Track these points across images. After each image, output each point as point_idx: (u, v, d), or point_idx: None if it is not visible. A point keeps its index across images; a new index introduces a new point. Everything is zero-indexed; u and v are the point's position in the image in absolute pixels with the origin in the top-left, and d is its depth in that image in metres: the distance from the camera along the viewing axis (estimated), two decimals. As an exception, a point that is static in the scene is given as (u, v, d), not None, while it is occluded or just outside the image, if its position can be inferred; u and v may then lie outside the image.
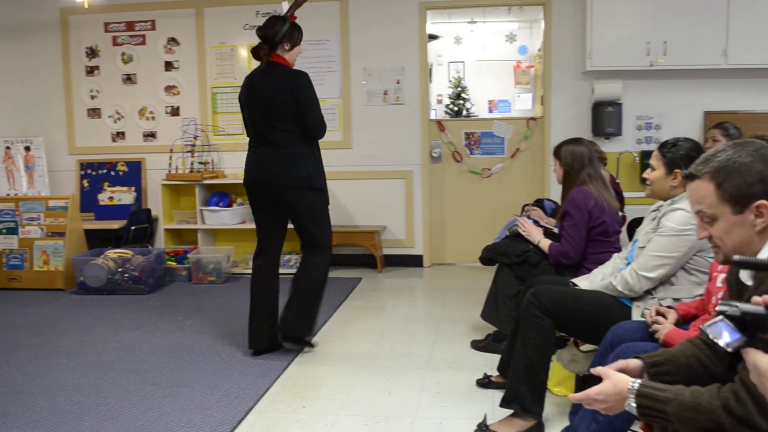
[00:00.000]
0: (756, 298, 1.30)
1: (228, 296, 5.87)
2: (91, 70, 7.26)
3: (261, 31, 4.23)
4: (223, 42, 7.05)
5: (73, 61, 7.26)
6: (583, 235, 3.85)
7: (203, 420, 3.36)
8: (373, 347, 4.54)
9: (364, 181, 6.86)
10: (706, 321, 1.39)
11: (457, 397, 3.65)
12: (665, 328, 2.58)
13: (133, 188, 7.12)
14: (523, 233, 4.19)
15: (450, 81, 10.53)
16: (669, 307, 2.76)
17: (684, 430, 1.66)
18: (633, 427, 2.48)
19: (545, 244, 4.05)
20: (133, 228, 6.65)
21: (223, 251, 6.62)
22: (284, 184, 4.17)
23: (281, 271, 6.60)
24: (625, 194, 5.44)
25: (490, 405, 3.46)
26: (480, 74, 10.63)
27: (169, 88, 7.18)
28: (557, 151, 4.05)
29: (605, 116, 6.46)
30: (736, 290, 1.86)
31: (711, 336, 1.33)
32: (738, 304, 1.31)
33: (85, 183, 7.28)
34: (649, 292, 3.07)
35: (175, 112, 7.19)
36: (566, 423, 2.83)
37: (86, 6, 6.38)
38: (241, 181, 6.62)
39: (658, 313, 2.71)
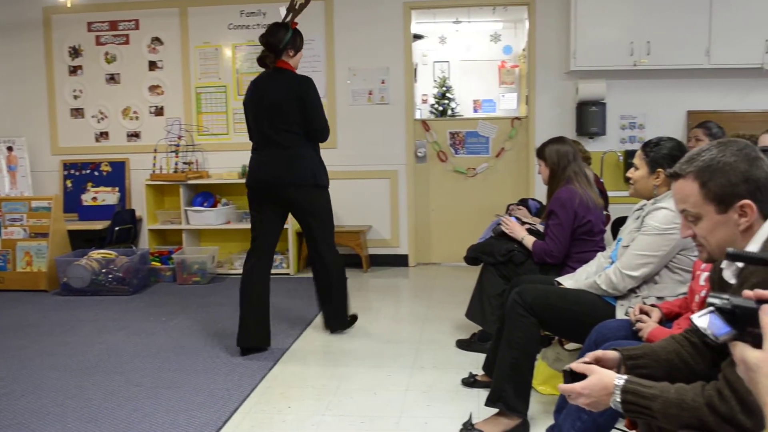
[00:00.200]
0: (747, 292, 1.31)
1: (213, 297, 5.85)
2: (74, 70, 7.21)
3: (264, 38, 4.38)
4: (207, 42, 7.02)
5: (55, 61, 7.21)
6: (568, 234, 3.86)
7: (188, 421, 3.35)
8: (358, 347, 4.53)
9: (349, 181, 6.85)
10: (694, 315, 1.40)
11: (442, 397, 3.65)
12: (649, 326, 2.59)
13: (116, 188, 7.08)
14: (506, 230, 4.21)
15: (435, 81, 10.56)
16: (653, 305, 2.78)
17: (668, 427, 1.67)
18: (617, 425, 2.50)
19: (529, 241, 4.07)
20: (117, 228, 6.62)
21: (207, 251, 6.60)
22: (289, 183, 4.32)
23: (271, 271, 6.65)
24: (610, 193, 5.46)
25: (476, 404, 3.46)
26: (465, 74, 10.66)
27: (153, 88, 7.14)
28: (541, 152, 4.06)
29: (589, 116, 6.49)
30: (719, 288, 1.87)
31: (701, 327, 1.33)
32: (729, 296, 1.32)
33: (69, 183, 7.24)
34: (633, 291, 3.08)
35: (159, 111, 7.16)
36: (551, 421, 2.84)
37: (69, 5, 6.34)
38: (225, 181, 6.65)
39: (642, 312, 2.72)
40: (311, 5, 6.69)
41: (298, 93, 4.27)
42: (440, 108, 10.30)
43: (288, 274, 6.68)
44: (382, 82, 6.85)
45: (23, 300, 5.87)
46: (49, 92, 7.25)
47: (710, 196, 1.78)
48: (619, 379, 1.71)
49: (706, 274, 2.48)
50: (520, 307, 3.13)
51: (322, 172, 4.42)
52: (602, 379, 1.72)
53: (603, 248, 3.82)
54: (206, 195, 6.84)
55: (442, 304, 5.54)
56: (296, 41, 4.43)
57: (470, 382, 3.76)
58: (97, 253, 6.09)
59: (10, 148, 6.87)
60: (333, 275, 4.62)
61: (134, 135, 7.22)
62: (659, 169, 3.02)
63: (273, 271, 6.57)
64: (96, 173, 7.22)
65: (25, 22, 7.17)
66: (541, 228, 4.17)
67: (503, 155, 6.99)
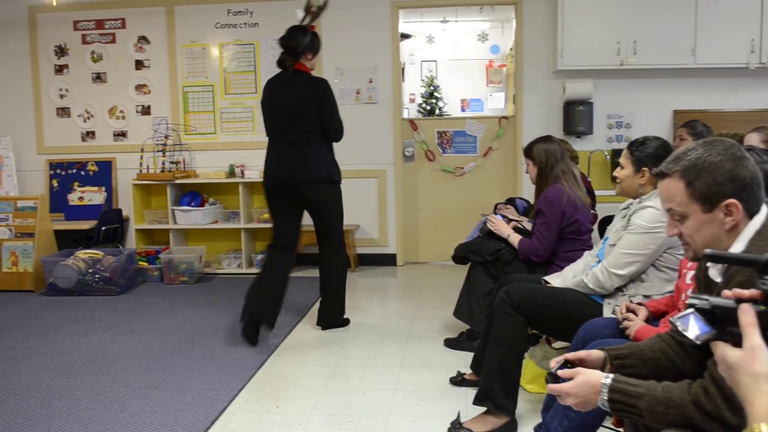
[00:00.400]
0: (726, 292, 1.32)
1: (200, 296, 5.84)
2: (60, 69, 7.17)
3: (284, 41, 4.57)
4: (195, 41, 7.00)
5: (41, 60, 7.17)
6: (555, 233, 3.87)
7: (176, 421, 3.34)
8: (346, 346, 4.54)
9: (337, 180, 6.84)
10: (677, 314, 1.40)
11: (430, 396, 3.66)
12: (636, 324, 2.61)
13: (103, 188, 7.04)
14: (492, 228, 4.22)
15: (422, 80, 10.55)
16: (639, 303, 2.79)
17: (655, 425, 1.68)
18: (604, 423, 2.51)
19: (515, 239, 4.08)
20: (103, 228, 6.59)
21: (195, 251, 6.58)
22: (305, 182, 4.49)
23: (254, 270, 6.67)
24: (597, 192, 5.48)
25: (464, 403, 3.47)
26: (452, 73, 10.66)
27: (139, 87, 7.11)
28: (529, 151, 4.07)
29: (576, 115, 6.51)
30: (705, 287, 1.88)
31: (680, 328, 1.34)
32: (708, 297, 1.33)
33: (55, 183, 7.19)
34: (619, 289, 3.10)
35: (145, 111, 7.13)
36: (539, 420, 2.85)
37: (55, 4, 6.31)
38: (212, 181, 6.66)
39: (629, 310, 2.74)
40: (298, 3, 6.74)
41: (316, 95, 4.47)
42: (428, 107, 10.30)
43: (276, 273, 6.66)
44: (370, 82, 6.85)
45: (9, 300, 5.83)
46: (34, 91, 7.21)
47: (696, 195, 1.79)
48: (606, 378, 1.71)
49: (692, 273, 2.49)
50: (508, 305, 3.14)
51: (335, 169, 4.62)
52: (589, 379, 1.73)
53: (590, 247, 3.84)
54: (193, 194, 6.82)
55: (430, 303, 5.55)
56: (314, 44, 4.59)
57: (458, 380, 3.77)
58: (83, 253, 6.06)
59: (-5, 148, 6.83)
60: (335, 273, 4.79)
61: (121, 134, 7.18)
62: (644, 168, 3.04)
63: (259, 270, 6.60)
64: (82, 173, 7.18)
65: (11, 21, 7.13)
66: (528, 226, 4.18)
67: (491, 154, 7.01)
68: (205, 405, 3.53)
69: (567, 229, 3.87)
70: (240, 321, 4.54)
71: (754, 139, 3.57)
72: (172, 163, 6.90)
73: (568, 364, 1.86)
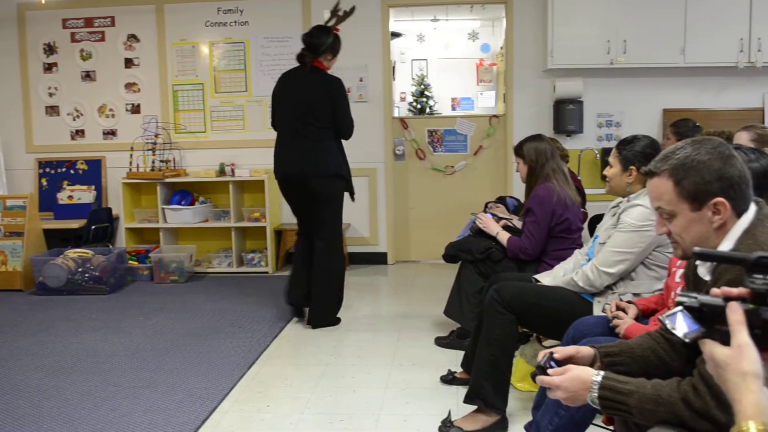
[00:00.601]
0: (715, 290, 1.32)
1: (190, 295, 5.82)
2: (49, 67, 7.14)
3: (308, 38, 4.75)
4: (184, 39, 6.98)
5: (30, 58, 7.13)
6: (544, 232, 3.88)
7: (166, 421, 3.33)
8: (337, 345, 4.54)
9: (327, 179, 6.83)
10: (662, 314, 1.41)
11: (421, 394, 3.66)
12: (625, 322, 2.62)
13: (93, 187, 7.02)
14: (481, 226, 4.23)
15: (413, 79, 10.56)
16: (629, 302, 2.80)
17: (644, 423, 1.69)
18: (595, 421, 2.52)
19: (503, 237, 4.09)
20: (93, 227, 6.56)
21: (185, 250, 6.56)
22: (312, 174, 4.64)
23: (244, 269, 6.66)
24: (587, 191, 5.49)
25: (455, 401, 3.48)
26: (443, 72, 10.67)
27: (129, 86, 7.09)
28: (519, 150, 4.07)
29: (566, 114, 6.53)
30: (694, 285, 1.89)
31: (669, 327, 1.35)
32: (697, 295, 1.34)
33: (44, 182, 7.16)
34: (609, 288, 3.11)
35: (135, 109, 7.10)
36: (529, 418, 2.86)
37: (43, 2, 6.28)
38: (202, 179, 6.66)
39: (619, 308, 2.75)
40: (288, 1, 6.75)
41: (329, 92, 4.64)
42: (418, 106, 10.30)
43: (266, 272, 6.66)
44: (360, 80, 6.84)
45: (-2, 300, 5.81)
46: (23, 90, 7.17)
47: (684, 194, 1.80)
48: (597, 375, 1.72)
49: (681, 271, 2.50)
50: (498, 304, 3.15)
51: (343, 164, 4.75)
52: (580, 375, 1.74)
53: (580, 245, 3.84)
54: (183, 193, 6.80)
55: (421, 301, 5.55)
56: (336, 46, 4.78)
57: (449, 379, 3.78)
58: (73, 252, 6.04)
59: (-17, 147, 6.79)
60: (327, 269, 4.81)
61: (110, 133, 7.16)
62: (632, 167, 3.06)
63: (250, 269, 6.66)
64: (72, 171, 7.15)
65: (-1, 19, 7.10)
66: (518, 225, 4.19)
67: (481, 153, 7.02)
68: (195, 404, 3.53)
69: (557, 227, 3.88)
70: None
71: (743, 138, 3.58)
72: (162, 161, 6.88)
73: (554, 357, 1.87)
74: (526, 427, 2.97)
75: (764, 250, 1.66)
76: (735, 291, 1.29)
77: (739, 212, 1.79)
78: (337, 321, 4.97)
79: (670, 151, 1.85)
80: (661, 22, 6.18)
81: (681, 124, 4.77)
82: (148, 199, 6.98)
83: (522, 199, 4.61)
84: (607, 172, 3.18)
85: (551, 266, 3.68)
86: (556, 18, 6.29)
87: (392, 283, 6.45)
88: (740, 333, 1.23)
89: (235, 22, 6.89)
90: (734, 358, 1.22)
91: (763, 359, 1.22)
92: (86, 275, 5.90)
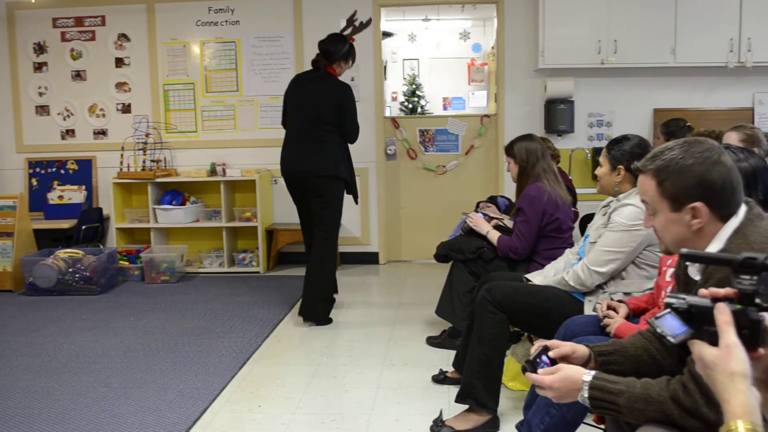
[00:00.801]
0: (703, 291, 1.33)
1: (181, 295, 5.81)
2: (39, 67, 7.11)
3: (324, 45, 4.99)
4: (175, 38, 6.96)
5: (20, 58, 7.10)
6: (534, 232, 3.89)
7: (157, 421, 3.33)
8: (329, 345, 4.53)
9: (319, 179, 6.82)
10: (655, 314, 1.42)
11: (413, 394, 3.66)
12: (616, 321, 2.63)
13: (83, 187, 6.99)
14: (471, 225, 4.24)
15: (404, 78, 10.56)
16: (620, 301, 2.81)
17: (635, 422, 1.70)
18: (586, 420, 2.52)
19: (494, 236, 4.10)
20: (83, 227, 6.54)
21: (176, 250, 6.54)
22: (314, 174, 4.83)
23: (236, 269, 6.65)
24: (577, 190, 5.51)
25: (446, 401, 3.48)
26: (434, 71, 10.68)
27: (119, 85, 7.06)
28: (510, 149, 4.08)
29: (557, 113, 6.54)
30: (684, 285, 1.90)
31: (658, 329, 1.35)
32: (685, 296, 1.34)
33: (34, 182, 7.13)
34: (600, 287, 3.12)
35: (126, 109, 7.08)
36: (521, 417, 2.86)
37: (33, 1, 6.25)
38: (194, 179, 6.66)
39: (610, 308, 2.76)
40: (280, 1, 6.74)
41: (339, 97, 4.84)
42: (410, 105, 10.31)
43: (258, 272, 6.65)
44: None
45: (-12, 300, 5.78)
46: (13, 89, 7.14)
47: (665, 194, 1.84)
48: (587, 375, 1.73)
49: (672, 270, 2.52)
50: (490, 303, 3.15)
51: (345, 167, 4.92)
52: (570, 376, 1.75)
53: (571, 245, 3.85)
54: (174, 193, 6.79)
55: (413, 301, 5.56)
56: (350, 54, 5.04)
57: (440, 378, 3.78)
58: (63, 253, 6.02)
59: (-27, 146, 6.76)
60: (320, 264, 4.92)
61: (101, 133, 7.13)
62: (620, 166, 3.08)
63: (241, 269, 6.65)
64: (62, 171, 7.12)
65: (-11, 18, 7.06)
66: (510, 224, 4.19)
67: (473, 153, 7.03)
68: (186, 404, 3.52)
69: (548, 227, 3.89)
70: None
71: (732, 138, 3.60)
72: (152, 161, 6.86)
73: (547, 351, 1.88)
74: (517, 427, 2.97)
75: (754, 249, 1.68)
76: (722, 292, 1.30)
77: (722, 217, 1.80)
78: (328, 321, 4.99)
79: (660, 151, 1.87)
80: (652, 22, 6.20)
81: (671, 124, 4.79)
82: (138, 199, 6.96)
83: (513, 199, 4.62)
84: (598, 171, 3.20)
85: (542, 266, 3.69)
86: (547, 18, 6.30)
87: (384, 282, 6.45)
88: (728, 333, 1.24)
89: (226, 21, 6.88)
90: (722, 358, 1.23)
91: (751, 359, 1.23)
92: (77, 275, 5.88)
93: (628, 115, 6.66)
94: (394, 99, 10.52)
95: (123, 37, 7.01)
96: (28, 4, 6.60)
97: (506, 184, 6.56)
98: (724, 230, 1.79)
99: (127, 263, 6.45)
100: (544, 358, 1.85)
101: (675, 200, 1.82)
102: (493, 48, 8.05)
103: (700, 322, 1.30)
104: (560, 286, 3.21)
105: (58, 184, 7.04)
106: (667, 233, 1.88)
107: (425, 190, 7.08)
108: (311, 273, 4.93)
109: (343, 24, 5.09)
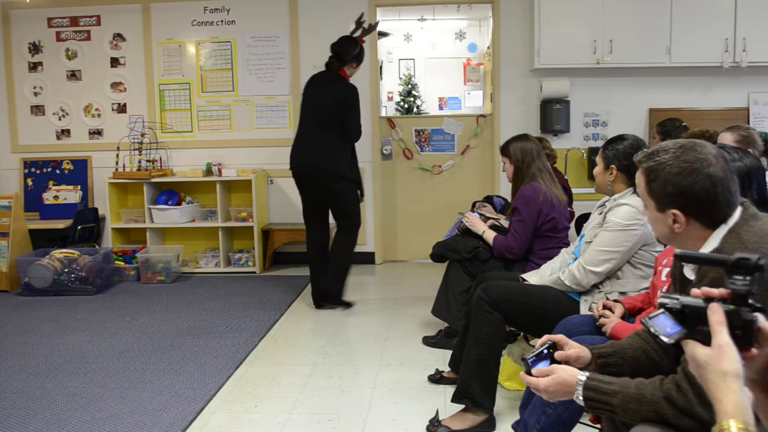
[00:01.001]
0: (695, 291, 1.34)
1: (177, 296, 5.80)
2: (34, 66, 7.10)
3: (336, 48, 5.22)
4: (171, 38, 6.96)
5: (15, 57, 7.09)
6: (530, 231, 3.90)
7: (153, 421, 3.32)
8: (325, 345, 4.53)
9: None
10: (650, 314, 1.42)
11: (409, 393, 3.67)
12: (612, 321, 2.63)
13: (79, 187, 6.98)
14: (467, 225, 4.24)
15: (400, 78, 10.55)
16: (615, 300, 2.82)
17: (629, 421, 1.70)
18: (582, 420, 2.53)
19: (489, 235, 4.10)
20: (79, 227, 6.53)
21: (172, 250, 6.54)
22: (319, 173, 5.08)
23: (232, 269, 6.65)
24: (573, 190, 5.53)
25: (442, 400, 3.49)
26: (430, 71, 10.67)
27: (115, 85, 7.05)
28: (505, 149, 4.09)
29: (553, 113, 6.55)
30: (680, 284, 1.91)
31: (652, 329, 1.36)
32: (678, 296, 1.35)
33: (29, 182, 7.12)
34: (596, 286, 3.12)
35: (121, 109, 7.07)
36: (517, 416, 2.86)
37: (28, 1, 6.23)
38: (189, 179, 6.68)
39: (605, 307, 2.76)
40: (276, 1, 6.73)
41: (342, 97, 5.04)
42: (406, 105, 10.29)
43: (254, 272, 6.65)
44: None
45: (-17, 301, 5.77)
46: (8, 89, 7.12)
47: (652, 195, 1.90)
48: (582, 376, 1.74)
49: (667, 270, 2.53)
50: (486, 303, 3.15)
51: (346, 164, 5.11)
52: (565, 379, 1.76)
53: (567, 244, 3.86)
54: (170, 193, 6.78)
55: (409, 301, 5.56)
56: (360, 56, 5.26)
57: (437, 378, 3.78)
58: (59, 253, 6.01)
59: (-32, 146, 6.74)
60: (334, 257, 5.26)
61: (96, 132, 7.12)
62: (612, 166, 3.09)
63: (237, 269, 6.65)
64: (57, 171, 7.12)
65: (-16, 18, 7.04)
66: (505, 224, 4.20)
67: (468, 152, 7.03)
68: (182, 405, 3.52)
69: (543, 226, 3.90)
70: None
71: (726, 139, 3.61)
72: (148, 161, 6.85)
73: (551, 350, 1.89)
74: (513, 426, 2.97)
75: (748, 249, 1.68)
76: (716, 292, 1.30)
77: (707, 225, 1.83)
78: (346, 304, 5.36)
79: (655, 151, 1.90)
80: (647, 22, 6.21)
81: (667, 124, 4.80)
82: (134, 199, 6.95)
83: (509, 199, 4.62)
84: (594, 170, 3.21)
85: (538, 265, 3.69)
86: (542, 18, 6.31)
87: (380, 282, 6.45)
88: (721, 333, 1.24)
89: (222, 21, 6.87)
90: (715, 358, 1.23)
91: (743, 359, 1.23)
92: (72, 276, 5.87)
93: (623, 114, 6.67)
94: (390, 99, 10.51)
95: (118, 36, 7.00)
96: (23, 4, 6.59)
97: (502, 183, 6.57)
98: (719, 230, 1.81)
99: (122, 263, 6.44)
100: (545, 353, 1.86)
101: (659, 202, 1.88)
102: (488, 48, 8.04)
103: (694, 322, 1.31)
104: (556, 285, 3.22)
105: (54, 184, 7.03)
106: (654, 228, 1.97)
107: (421, 190, 7.09)
108: (335, 265, 5.25)
109: (353, 27, 5.33)
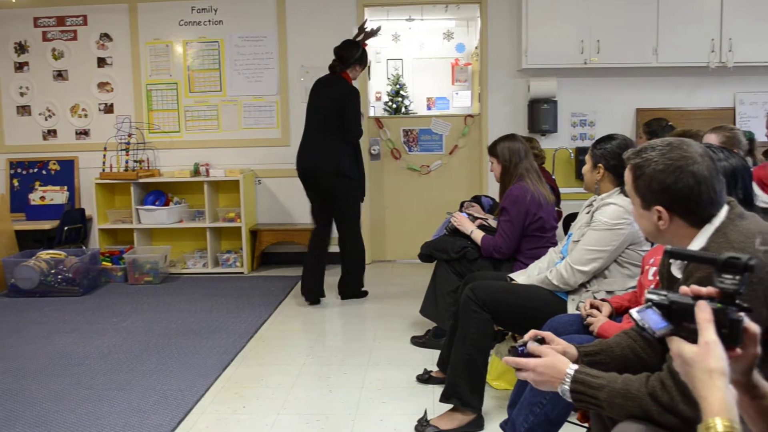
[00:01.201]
0: (684, 288, 1.34)
1: (165, 296, 5.78)
2: (20, 66, 7.05)
3: (338, 51, 5.38)
4: (158, 38, 6.93)
5: (1, 57, 7.04)
6: (518, 231, 3.91)
7: (140, 423, 3.31)
8: (313, 345, 4.53)
9: (303, 179, 6.82)
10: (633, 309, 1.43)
11: (397, 393, 3.67)
12: (599, 320, 2.64)
13: (65, 187, 6.94)
14: (455, 224, 4.25)
15: (388, 78, 10.55)
16: (603, 300, 2.83)
17: (614, 416, 1.71)
18: (569, 419, 2.53)
19: (477, 235, 4.11)
20: (66, 228, 6.50)
21: (159, 251, 6.51)
22: (321, 172, 5.25)
23: (219, 270, 6.63)
24: (561, 190, 5.54)
25: (431, 400, 3.49)
26: (418, 71, 10.67)
27: (102, 85, 7.02)
28: (493, 149, 4.10)
29: (541, 113, 6.57)
30: (668, 282, 1.93)
31: (640, 322, 1.36)
32: (666, 293, 1.35)
33: (15, 182, 7.08)
34: (583, 285, 3.14)
35: (108, 109, 7.04)
36: (505, 416, 2.87)
37: (14, 0, 6.19)
38: (177, 180, 6.66)
39: (593, 306, 2.77)
40: (263, 0, 6.73)
41: (342, 98, 5.20)
42: (394, 105, 10.29)
43: (242, 273, 6.63)
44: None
45: (-31, 302, 5.73)
46: (-6, 89, 7.08)
47: (637, 191, 1.92)
48: (571, 368, 1.75)
49: (654, 269, 2.54)
50: (474, 303, 3.16)
51: (347, 164, 5.24)
52: (556, 364, 1.77)
53: (555, 244, 3.87)
54: (158, 194, 6.76)
55: (397, 301, 5.56)
56: (363, 59, 5.43)
57: (425, 378, 3.79)
58: (45, 254, 5.97)
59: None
60: (352, 252, 5.45)
61: (83, 133, 7.09)
62: (599, 165, 3.10)
63: (225, 270, 6.63)
64: (44, 172, 7.07)
65: (-31, 18, 6.99)
66: (494, 224, 4.21)
67: (456, 152, 7.04)
68: (170, 406, 3.51)
69: (531, 226, 3.91)
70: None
71: (711, 140, 3.63)
72: (135, 161, 6.82)
73: (540, 342, 1.90)
74: (501, 425, 2.98)
75: (734, 248, 1.69)
76: (704, 290, 1.31)
77: (692, 223, 1.85)
78: (364, 294, 5.70)
79: (642, 149, 1.92)
80: (634, 23, 6.24)
81: (653, 124, 4.82)
82: (121, 200, 6.92)
83: (497, 199, 4.63)
84: (584, 168, 3.23)
85: (526, 265, 3.70)
86: (530, 18, 6.33)
87: (368, 282, 6.42)
88: (707, 331, 1.25)
89: (210, 21, 6.86)
90: (701, 355, 1.24)
91: (729, 357, 1.24)
92: (59, 277, 5.84)
93: (610, 114, 6.70)
94: (378, 99, 10.50)
95: (105, 36, 6.96)
96: (9, 4, 6.55)
97: (490, 183, 6.58)
98: (706, 229, 1.82)
99: (110, 264, 6.42)
100: (534, 345, 1.86)
101: (644, 199, 1.90)
102: (476, 48, 8.06)
103: (681, 319, 1.31)
104: (544, 285, 3.23)
105: (40, 185, 6.99)
106: (639, 225, 2.01)
107: (409, 190, 7.09)
108: (348, 264, 5.51)
109: (356, 31, 5.48)
